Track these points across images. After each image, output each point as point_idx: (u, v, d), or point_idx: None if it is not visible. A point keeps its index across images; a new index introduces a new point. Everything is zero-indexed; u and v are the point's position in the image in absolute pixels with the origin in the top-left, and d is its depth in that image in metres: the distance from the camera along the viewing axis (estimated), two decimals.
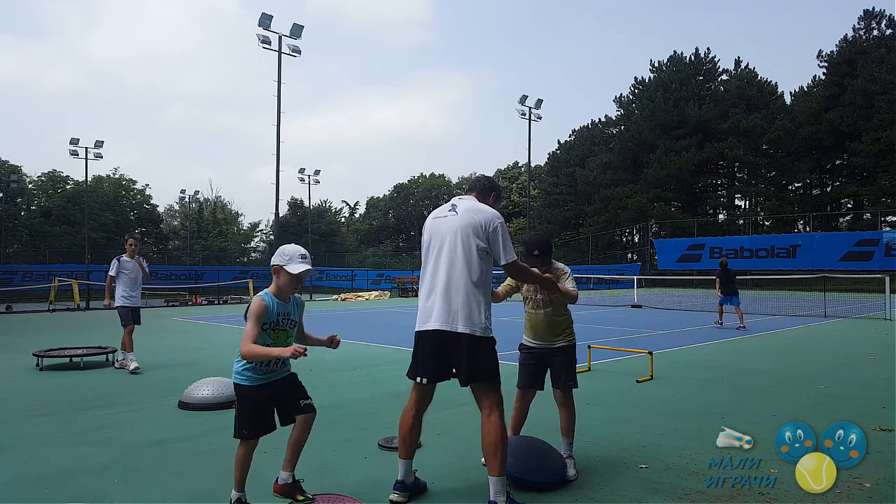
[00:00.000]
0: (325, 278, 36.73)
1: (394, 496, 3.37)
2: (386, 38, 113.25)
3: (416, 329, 3.42)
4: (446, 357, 3.30)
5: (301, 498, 3.29)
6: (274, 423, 3.29)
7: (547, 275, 3.71)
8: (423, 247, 3.52)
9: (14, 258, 36.73)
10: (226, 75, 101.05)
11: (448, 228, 3.37)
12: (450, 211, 3.43)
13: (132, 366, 7.69)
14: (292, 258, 3.25)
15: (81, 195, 39.58)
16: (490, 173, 70.10)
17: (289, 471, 3.31)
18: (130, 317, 8.10)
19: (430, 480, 3.65)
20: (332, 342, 3.40)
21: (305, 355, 2.98)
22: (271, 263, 3.29)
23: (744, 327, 13.18)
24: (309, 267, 3.26)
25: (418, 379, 3.39)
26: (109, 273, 8.17)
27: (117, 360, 8.09)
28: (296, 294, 3.37)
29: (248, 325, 3.15)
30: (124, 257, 8.18)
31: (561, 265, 3.99)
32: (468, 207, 3.39)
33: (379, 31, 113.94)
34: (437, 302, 3.30)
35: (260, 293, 3.25)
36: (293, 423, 3.31)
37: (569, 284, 3.84)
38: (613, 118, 56.51)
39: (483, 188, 3.60)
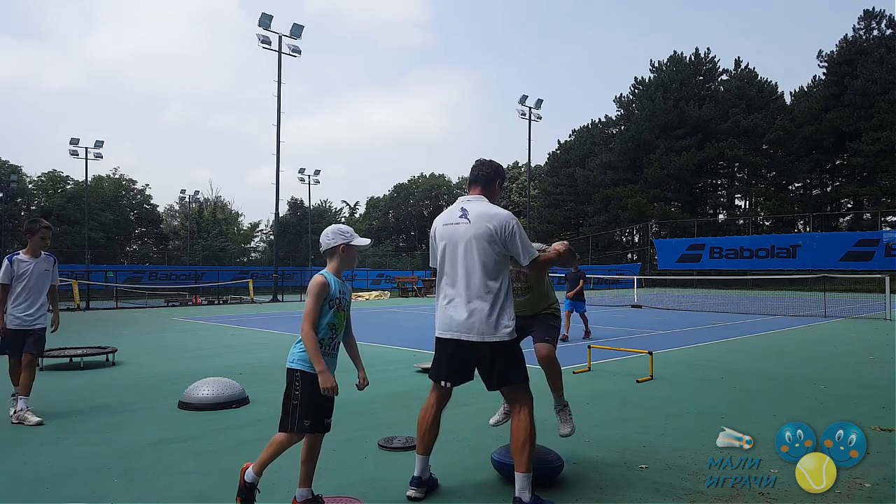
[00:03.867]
0: None
1: (411, 492, 3.42)
2: (384, 39, 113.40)
3: (438, 336, 3.44)
4: (470, 363, 3.39)
5: None
6: (329, 422, 3.22)
7: (556, 247, 3.57)
8: (436, 253, 3.48)
9: None
10: (225, 75, 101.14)
11: (462, 237, 3.33)
12: (461, 217, 3.37)
13: (33, 419, 5.10)
14: (352, 234, 3.30)
15: (81, 195, 39.63)
16: None
17: (307, 486, 3.19)
18: (18, 345, 5.34)
19: None
20: (362, 383, 3.37)
21: (336, 394, 3.09)
22: (331, 245, 3.25)
23: (589, 333, 11.63)
24: (369, 241, 3.41)
25: (443, 383, 3.46)
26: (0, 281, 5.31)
27: (12, 411, 5.25)
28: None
29: (310, 302, 3.13)
30: (22, 255, 5.43)
31: (538, 244, 3.98)
32: (480, 213, 3.33)
33: (377, 32, 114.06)
34: (458, 311, 3.31)
35: (320, 272, 3.24)
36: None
37: (556, 244, 3.72)
38: (613, 118, 56.59)
39: (487, 179, 3.48)
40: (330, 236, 3.27)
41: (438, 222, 3.51)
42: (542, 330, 4.02)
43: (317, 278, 3.18)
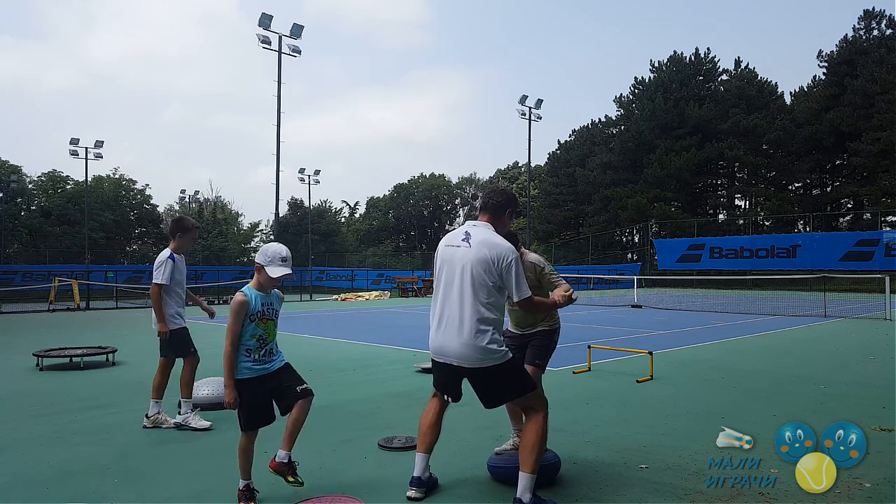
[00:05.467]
0: (325, 278, 36.79)
1: (411, 492, 3.43)
2: (383, 40, 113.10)
3: (432, 357, 3.48)
4: (466, 381, 3.44)
5: (292, 479, 3.37)
6: (273, 415, 3.45)
7: (558, 298, 3.61)
8: (435, 271, 3.53)
9: (14, 258, 36.73)
10: (224, 76, 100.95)
11: (460, 261, 3.35)
12: (463, 240, 3.39)
13: (200, 421, 4.99)
14: (273, 260, 3.38)
15: (81, 195, 39.56)
16: (490, 173, 69.93)
17: (286, 450, 3.38)
18: (183, 344, 5.31)
19: None
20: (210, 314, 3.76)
21: (233, 408, 3.31)
22: (256, 261, 3.43)
23: None
24: (287, 271, 3.38)
25: (445, 397, 3.52)
26: (158, 280, 4.98)
27: (176, 417, 5.07)
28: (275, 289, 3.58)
29: (230, 321, 3.34)
30: (175, 255, 5.13)
31: (536, 257, 3.94)
32: (482, 240, 3.33)
33: (376, 32, 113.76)
34: (449, 336, 3.32)
35: (242, 288, 3.43)
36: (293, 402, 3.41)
37: (560, 289, 3.72)
38: (613, 118, 56.52)
39: (496, 207, 3.49)
40: (259, 252, 3.45)
41: (442, 243, 3.55)
42: (533, 352, 3.97)
43: (236, 297, 3.35)
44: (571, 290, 3.68)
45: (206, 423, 4.94)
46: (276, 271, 3.35)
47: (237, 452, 3.39)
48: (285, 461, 3.38)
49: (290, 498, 3.35)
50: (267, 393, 3.39)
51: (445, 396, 3.51)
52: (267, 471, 3.40)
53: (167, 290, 5.06)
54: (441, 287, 3.42)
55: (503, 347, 3.32)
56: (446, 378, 3.45)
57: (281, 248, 3.43)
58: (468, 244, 3.35)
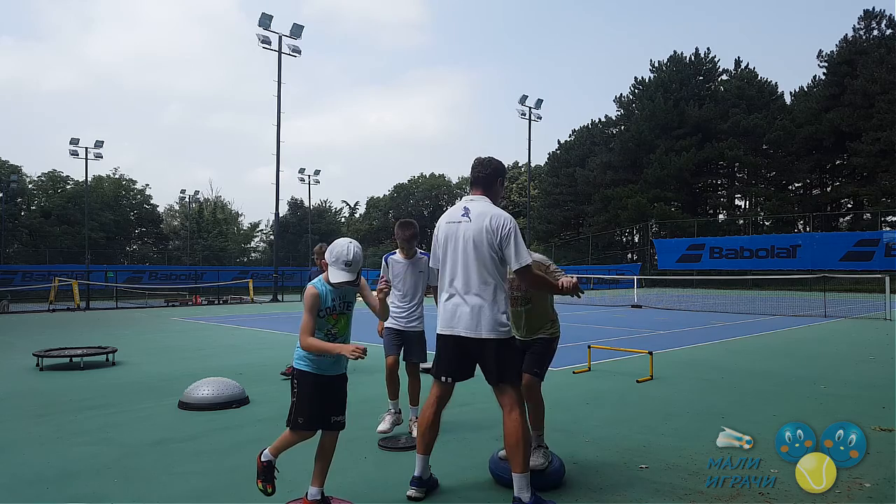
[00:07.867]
0: None
1: (411, 492, 3.44)
2: (383, 40, 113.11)
3: (439, 332, 3.47)
4: (471, 360, 3.42)
5: None
6: (327, 421, 3.19)
7: (563, 281, 3.52)
8: (438, 249, 3.53)
9: (14, 258, 36.74)
10: (224, 76, 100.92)
11: (462, 235, 3.39)
12: (463, 216, 3.44)
13: (383, 425, 4.95)
14: (336, 262, 3.08)
15: (81, 195, 39.57)
16: None
17: (317, 486, 3.19)
18: (391, 345, 5.36)
19: None
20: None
21: (364, 357, 2.89)
22: (325, 258, 3.18)
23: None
24: (348, 278, 3.06)
25: (443, 378, 3.48)
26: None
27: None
28: None
29: (304, 317, 3.09)
30: (396, 256, 5.30)
31: (540, 257, 3.89)
32: (481, 212, 3.39)
33: (375, 33, 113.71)
34: (458, 308, 3.36)
35: (313, 281, 3.19)
36: (322, 430, 3.22)
37: (563, 279, 3.62)
38: (613, 118, 56.55)
39: (487, 179, 3.53)
40: (329, 249, 3.13)
41: (442, 221, 3.57)
42: (531, 360, 3.85)
43: (309, 289, 3.14)
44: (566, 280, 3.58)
45: (385, 425, 4.89)
46: (335, 276, 3.06)
47: (281, 439, 3.19)
48: (318, 499, 3.15)
49: (289, 498, 3.34)
50: (327, 392, 3.15)
51: (444, 378, 3.46)
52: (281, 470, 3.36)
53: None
54: (447, 263, 3.46)
55: (510, 323, 3.37)
56: (451, 352, 3.43)
57: (348, 252, 3.06)
58: (468, 218, 3.40)
